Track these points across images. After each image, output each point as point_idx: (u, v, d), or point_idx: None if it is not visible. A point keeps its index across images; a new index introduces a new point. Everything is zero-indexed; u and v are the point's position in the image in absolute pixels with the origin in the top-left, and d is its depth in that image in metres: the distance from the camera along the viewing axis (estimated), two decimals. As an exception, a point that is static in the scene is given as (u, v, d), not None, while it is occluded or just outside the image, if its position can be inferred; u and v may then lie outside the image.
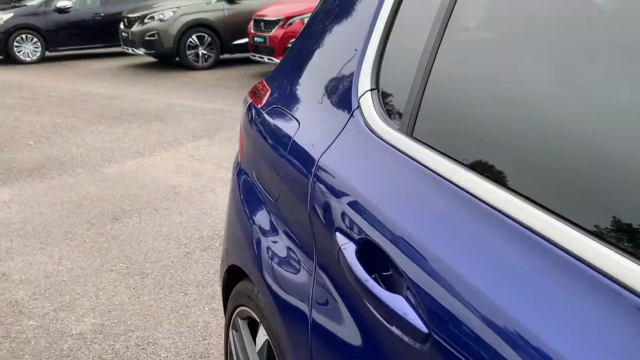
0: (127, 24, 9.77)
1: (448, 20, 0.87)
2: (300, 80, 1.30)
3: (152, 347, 2.21)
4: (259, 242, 1.24)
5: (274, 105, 1.35)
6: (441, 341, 0.66)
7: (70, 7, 10.81)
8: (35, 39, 10.75)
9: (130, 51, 9.77)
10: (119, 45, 10.43)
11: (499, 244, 0.66)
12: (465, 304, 0.64)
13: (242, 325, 1.44)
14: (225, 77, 8.73)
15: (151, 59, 10.45)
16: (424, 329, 0.68)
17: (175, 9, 9.28)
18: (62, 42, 10.94)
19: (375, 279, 0.78)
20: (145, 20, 9.35)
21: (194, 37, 9.27)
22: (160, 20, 9.24)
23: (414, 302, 0.71)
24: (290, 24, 7.89)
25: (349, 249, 0.84)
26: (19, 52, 10.66)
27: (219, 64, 9.65)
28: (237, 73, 9.01)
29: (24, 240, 3.16)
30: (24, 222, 3.42)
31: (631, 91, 0.60)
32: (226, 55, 9.84)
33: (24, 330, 2.33)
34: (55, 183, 4.11)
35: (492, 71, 0.81)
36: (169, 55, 9.46)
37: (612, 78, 0.63)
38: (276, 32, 8.00)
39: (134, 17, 9.58)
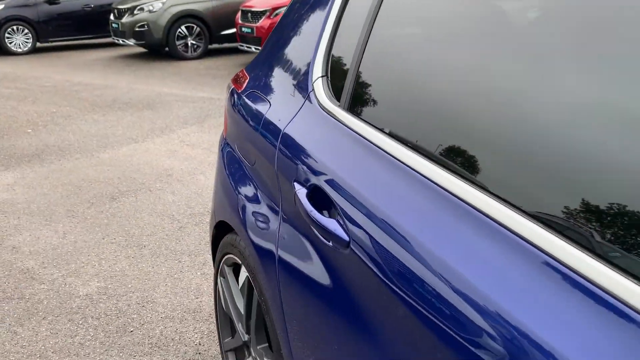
0: (117, 15, 9.98)
1: (374, 21, 1.17)
2: (273, 69, 1.60)
3: (151, 304, 2.52)
4: (240, 200, 1.54)
5: (251, 90, 1.65)
6: (355, 248, 0.98)
7: (60, -1, 10.99)
8: (26, 30, 10.93)
9: (121, 42, 9.99)
10: (109, 36, 10.65)
11: (401, 185, 0.97)
12: (375, 222, 0.95)
13: (228, 272, 1.75)
14: (214, 66, 8.98)
15: (141, 50, 10.68)
16: (346, 239, 0.99)
17: (164, 1, 9.50)
18: (52, 33, 11.13)
19: (318, 211, 1.09)
20: (135, 12, 9.56)
21: (183, 27, 9.50)
22: (150, 11, 9.46)
23: (341, 223, 1.03)
24: (277, 14, 8.15)
25: (301, 192, 1.15)
26: (10, 43, 10.84)
27: (207, 53, 9.90)
28: (225, 63, 9.27)
29: (30, 218, 3.45)
30: (28, 202, 3.71)
31: (535, 78, 0.91)
32: (215, 45, 10.10)
33: (36, 292, 2.63)
34: (55, 167, 4.39)
35: (404, 61, 1.12)
36: (159, 46, 9.70)
37: (514, 67, 0.93)
38: (263, 22, 8.27)
39: (124, 9, 9.79)
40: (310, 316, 1.16)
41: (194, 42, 9.62)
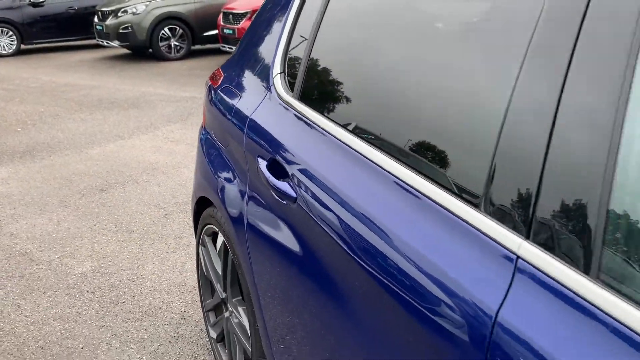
0: (101, 17, 10.20)
1: (319, 27, 1.48)
2: (243, 67, 1.90)
3: (140, 280, 2.81)
4: (217, 177, 1.84)
5: (225, 86, 1.95)
6: (301, 203, 1.28)
7: (44, 1, 11.17)
8: (10, 33, 11.09)
9: (105, 43, 10.21)
10: (93, 38, 10.85)
11: (337, 154, 1.27)
12: (316, 183, 1.26)
13: (208, 241, 2.05)
14: (196, 67, 9.25)
15: (125, 51, 10.90)
16: (294, 196, 1.30)
17: (147, 3, 9.74)
18: (37, 35, 11.31)
19: (275, 177, 1.39)
20: (119, 14, 9.79)
21: (166, 29, 9.75)
22: (134, 13, 9.69)
23: (291, 185, 1.33)
24: (254, 17, 8.42)
25: (262, 164, 1.46)
26: (-6, 45, 11.00)
27: (190, 54, 10.16)
28: (208, 63, 9.53)
29: (25, 208, 3.72)
30: (22, 194, 3.97)
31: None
32: (197, 46, 10.35)
33: (35, 272, 2.91)
34: (46, 163, 4.65)
35: (342, 59, 1.43)
36: (143, 47, 9.94)
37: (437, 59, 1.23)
38: (244, 24, 8.55)
39: (108, 11, 10.01)
40: (272, 266, 1.47)
41: (177, 44, 9.87)
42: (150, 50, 9.93)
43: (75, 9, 11.40)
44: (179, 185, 4.08)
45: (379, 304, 1.00)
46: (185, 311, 2.53)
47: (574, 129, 0.74)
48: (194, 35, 9.94)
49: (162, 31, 9.74)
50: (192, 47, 10.17)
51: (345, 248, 1.11)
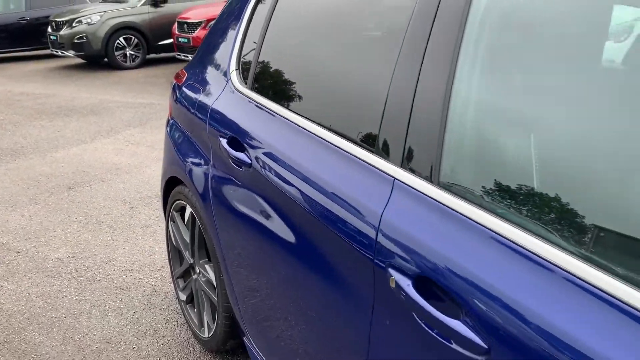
0: (55, 27, 10.30)
1: (265, 32, 1.87)
2: (205, 66, 2.27)
3: (113, 262, 3.12)
4: (185, 158, 2.20)
5: (189, 82, 2.31)
6: (255, 167, 1.67)
7: (-5, 12, 11.17)
8: (-40, 44, 11.04)
9: (60, 53, 10.31)
10: (47, 48, 10.93)
11: (282, 129, 1.65)
12: (265, 150, 1.64)
13: (177, 216, 2.40)
14: (152, 75, 9.48)
15: (80, 60, 11.01)
16: (249, 162, 1.68)
17: (102, 13, 9.93)
18: (-12, 46, 11.28)
19: (233, 150, 1.77)
20: (74, 24, 9.94)
21: (121, 39, 9.95)
22: (88, 24, 9.86)
23: (247, 154, 1.71)
24: (211, 25, 8.76)
25: (223, 142, 1.83)
26: (-56, 56, 10.92)
27: (146, 63, 10.37)
28: (163, 71, 9.78)
29: (-3, 206, 3.95)
30: (-8, 194, 4.19)
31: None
32: (153, 55, 10.58)
33: (14, 259, 3.17)
34: (12, 166, 4.86)
35: (283, 57, 1.82)
36: (98, 57, 10.10)
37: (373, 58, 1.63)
38: (199, 32, 8.86)
39: (62, 21, 10.13)
40: (234, 224, 1.83)
41: (132, 53, 10.08)
42: (106, 59, 10.10)
43: (27, 19, 11.44)
44: (143, 182, 4.38)
45: (312, 230, 1.39)
46: (155, 285, 2.86)
47: (426, 97, 1.15)
48: (149, 44, 10.17)
49: (118, 41, 9.93)
50: (148, 56, 10.39)
51: (289, 195, 1.49)
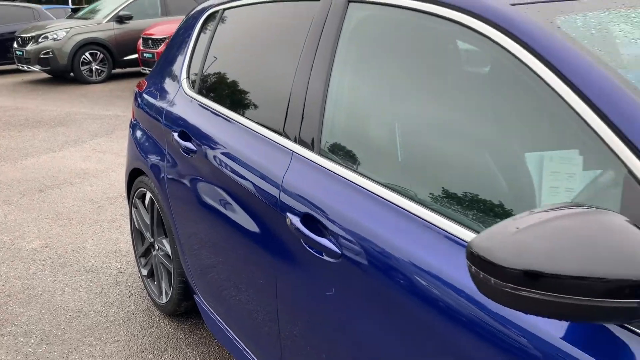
0: (21, 43, 10.57)
1: (209, 46, 2.34)
2: (162, 76, 2.72)
3: (83, 250, 3.51)
4: (145, 152, 2.64)
5: (148, 89, 2.76)
6: (199, 154, 2.12)
7: (-40, 28, 11.36)
8: None
9: (26, 68, 10.57)
10: (13, 63, 11.16)
11: (220, 123, 2.11)
12: (208, 138, 2.10)
13: (139, 203, 2.83)
14: (118, 89, 9.83)
15: (46, 75, 11.27)
16: (195, 149, 2.14)
17: (68, 29, 10.25)
18: (-47, 61, 11.45)
19: (183, 140, 2.22)
20: (40, 40, 10.23)
21: (87, 54, 10.28)
22: (54, 39, 10.17)
23: (193, 143, 2.17)
24: (168, 43, 9.18)
25: (175, 135, 2.28)
26: None
27: (111, 77, 10.72)
28: (128, 85, 10.14)
29: (-27, 207, 4.29)
30: (-33, 197, 4.52)
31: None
32: (118, 70, 10.93)
33: (-8, 250, 3.54)
34: (-16, 172, 5.18)
35: (223, 67, 2.28)
36: (64, 71, 10.40)
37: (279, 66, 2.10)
38: (163, 48, 9.27)
39: (28, 37, 10.41)
40: (184, 202, 2.27)
41: (98, 67, 10.42)
42: (72, 74, 10.41)
43: (-8, 35, 11.66)
44: (109, 185, 4.77)
45: (239, 193, 1.85)
46: (121, 267, 3.27)
47: (312, 95, 1.63)
48: (114, 59, 10.52)
49: (83, 56, 10.26)
50: (113, 71, 10.73)
51: (222, 170, 1.95)
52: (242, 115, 1.98)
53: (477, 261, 0.85)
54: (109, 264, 3.32)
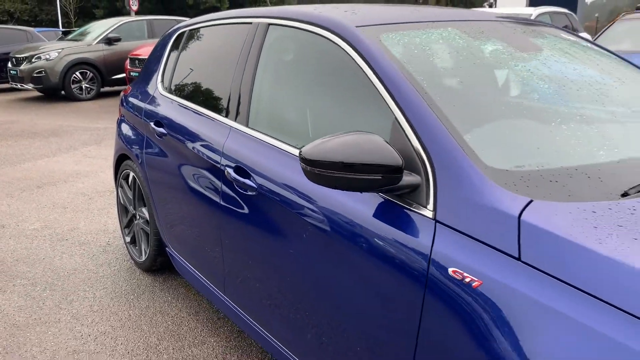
0: (15, 62, 11.29)
1: (178, 58, 3.09)
2: (144, 82, 3.46)
3: (77, 230, 4.20)
4: (129, 140, 3.36)
5: (132, 92, 3.50)
6: (169, 135, 2.86)
7: (-43, 49, 12.06)
8: None
9: (19, 86, 11.27)
10: (6, 82, 11.85)
11: (185, 113, 2.84)
12: (172, 121, 2.83)
13: (124, 183, 3.55)
14: (106, 105, 10.55)
15: (38, 93, 11.97)
16: (165, 132, 2.87)
17: (59, 50, 10.99)
18: (-51, 80, 12.12)
19: (157, 127, 2.95)
20: (33, 60, 10.96)
21: (77, 73, 11.02)
22: (47, 59, 10.90)
23: (165, 128, 2.90)
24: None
25: (152, 124, 3.02)
26: None
27: (100, 95, 11.45)
28: (116, 102, 10.87)
29: (-20, 199, 4.96)
30: (-26, 192, 5.19)
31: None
32: (107, 88, 11.67)
33: (0, 230, 4.22)
34: (-13, 173, 5.86)
35: (189, 74, 3.03)
36: (56, 89, 11.11)
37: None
38: (148, 68, 10.04)
39: (22, 57, 11.13)
40: (159, 177, 2.99)
41: (87, 86, 11.14)
42: (63, 92, 11.12)
43: (-13, 56, 12.36)
44: (99, 182, 5.47)
45: (195, 159, 2.58)
46: (109, 241, 3.97)
47: (244, 88, 2.38)
48: (103, 78, 11.27)
49: (74, 75, 10.99)
50: (102, 89, 11.47)
51: (185, 145, 2.68)
52: (200, 105, 2.73)
53: (306, 161, 1.59)
54: (98, 239, 4.02)
